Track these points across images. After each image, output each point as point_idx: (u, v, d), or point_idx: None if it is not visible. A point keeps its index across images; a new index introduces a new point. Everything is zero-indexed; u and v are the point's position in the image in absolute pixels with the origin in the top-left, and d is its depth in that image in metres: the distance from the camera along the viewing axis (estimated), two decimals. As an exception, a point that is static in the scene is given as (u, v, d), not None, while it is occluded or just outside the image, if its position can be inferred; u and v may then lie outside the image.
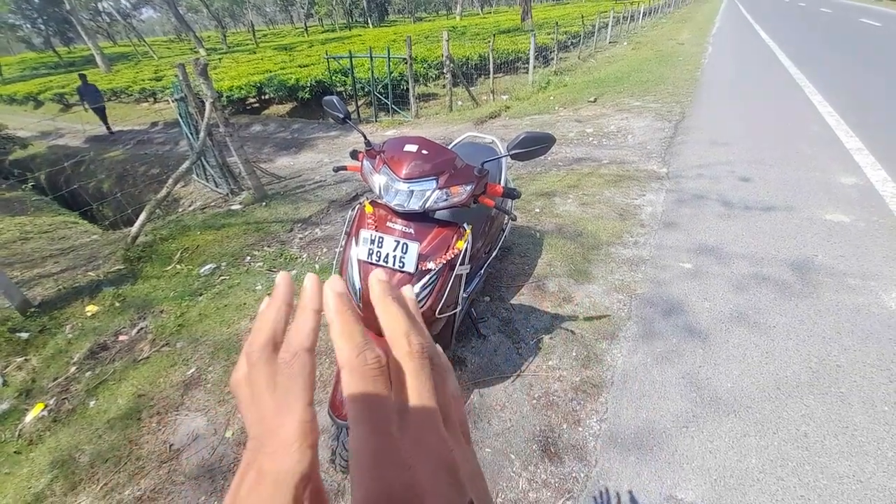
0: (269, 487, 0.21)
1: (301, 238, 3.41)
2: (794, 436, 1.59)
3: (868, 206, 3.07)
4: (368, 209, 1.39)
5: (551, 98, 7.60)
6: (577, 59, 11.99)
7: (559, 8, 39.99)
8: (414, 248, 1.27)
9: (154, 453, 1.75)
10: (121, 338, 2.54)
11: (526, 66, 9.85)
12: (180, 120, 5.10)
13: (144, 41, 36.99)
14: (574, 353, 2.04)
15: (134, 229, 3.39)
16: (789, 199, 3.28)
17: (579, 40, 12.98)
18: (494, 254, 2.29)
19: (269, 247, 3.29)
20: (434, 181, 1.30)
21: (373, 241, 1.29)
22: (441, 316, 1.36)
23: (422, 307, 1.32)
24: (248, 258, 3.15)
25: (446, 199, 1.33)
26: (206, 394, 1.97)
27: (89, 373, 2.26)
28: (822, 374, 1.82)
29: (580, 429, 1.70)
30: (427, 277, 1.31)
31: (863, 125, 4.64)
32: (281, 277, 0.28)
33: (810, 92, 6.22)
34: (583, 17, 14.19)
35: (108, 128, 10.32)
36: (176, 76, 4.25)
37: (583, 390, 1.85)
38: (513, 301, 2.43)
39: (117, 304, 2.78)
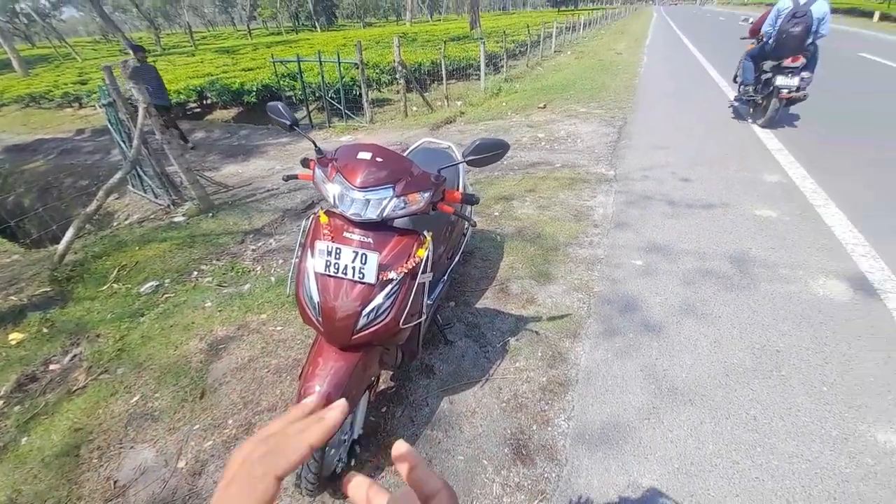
0: None
1: (254, 250, 3.23)
2: (745, 420, 1.70)
3: (791, 202, 3.39)
4: (323, 219, 1.33)
5: (503, 104, 7.79)
6: (525, 66, 12.39)
7: (505, 17, 41.26)
8: (373, 259, 1.23)
9: (97, 491, 1.57)
10: (51, 367, 2.26)
11: (477, 72, 10.03)
12: (110, 127, 4.69)
13: (66, 42, 33.81)
14: (540, 354, 2.07)
15: (61, 247, 3.05)
16: (724, 196, 3.56)
17: (527, 49, 13.44)
18: (457, 259, 2.29)
19: (218, 260, 3.08)
20: (391, 189, 1.27)
21: (329, 253, 1.24)
22: (405, 326, 1.32)
23: (385, 318, 1.27)
24: (196, 273, 2.93)
25: (404, 207, 1.30)
26: (153, 423, 1.80)
27: (18, 407, 2.00)
28: (764, 360, 1.98)
29: (549, 429, 1.72)
30: (389, 287, 1.27)
31: (781, 128, 5.15)
32: (338, 407, 0.35)
33: (733, 97, 6.82)
34: (528, 26, 14.72)
35: (184, 137, 6.60)
36: (103, 80, 3.91)
37: (550, 390, 1.88)
38: (478, 305, 2.43)
39: (45, 331, 2.49)
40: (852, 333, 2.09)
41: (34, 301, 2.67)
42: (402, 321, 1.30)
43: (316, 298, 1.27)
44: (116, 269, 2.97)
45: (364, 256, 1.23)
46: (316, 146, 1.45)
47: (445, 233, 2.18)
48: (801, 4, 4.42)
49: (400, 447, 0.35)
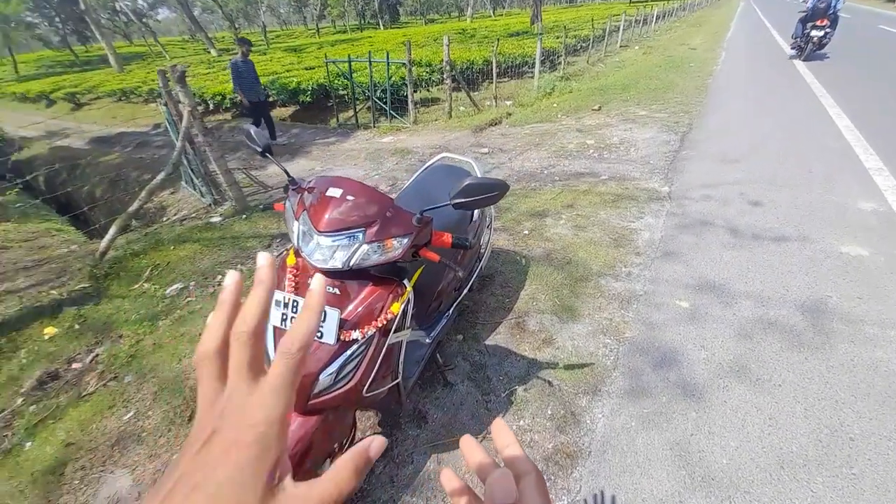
0: (241, 452, 0.22)
1: (278, 255, 3.23)
2: (798, 532, 1.35)
3: (889, 237, 2.78)
4: (291, 260, 1.19)
5: (555, 105, 7.36)
6: (585, 63, 11.69)
7: (571, 11, 39.54)
8: (333, 316, 1.06)
9: (69, 518, 1.58)
10: (73, 365, 2.38)
11: (532, 70, 9.59)
12: (168, 126, 4.99)
13: (158, 42, 37.45)
14: (549, 411, 1.81)
15: (102, 244, 3.25)
16: (802, 227, 3.00)
17: (589, 44, 12.67)
18: (465, 291, 2.08)
19: (242, 264, 3.12)
20: (360, 234, 1.10)
21: (286, 305, 1.09)
22: (371, 393, 1.15)
23: (346, 384, 1.11)
24: (220, 277, 2.98)
25: (379, 254, 1.13)
26: (138, 445, 1.79)
27: (34, 407, 2.11)
28: (832, 450, 1.58)
29: (546, 511, 1.47)
30: (352, 350, 1.10)
31: (883, 141, 4.32)
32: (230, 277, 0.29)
33: (828, 103, 5.87)
34: (593, 20, 13.87)
35: (272, 132, 6.85)
36: (158, 82, 4.14)
37: (555, 461, 1.62)
38: (487, 342, 2.21)
39: (77, 327, 2.63)
40: (963, 427, 1.62)
41: (72, 296, 2.85)
42: (366, 388, 1.13)
43: (272, 355, 1.14)
44: (150, 269, 3.11)
45: (323, 312, 1.07)
46: (288, 175, 1.31)
47: (456, 259, 1.99)
48: None
49: (499, 424, 0.36)
